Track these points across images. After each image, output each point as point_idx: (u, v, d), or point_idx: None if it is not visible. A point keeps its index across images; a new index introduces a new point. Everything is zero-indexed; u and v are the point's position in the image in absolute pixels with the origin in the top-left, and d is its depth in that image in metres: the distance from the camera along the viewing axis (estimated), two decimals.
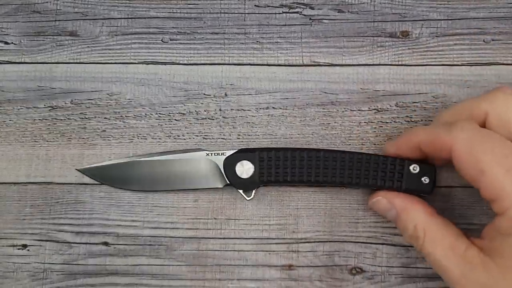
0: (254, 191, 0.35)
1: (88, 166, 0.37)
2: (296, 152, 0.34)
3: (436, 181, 0.34)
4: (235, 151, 0.35)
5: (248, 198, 0.35)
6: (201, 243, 0.36)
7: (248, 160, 0.34)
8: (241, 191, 0.35)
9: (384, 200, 0.33)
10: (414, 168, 0.33)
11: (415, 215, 0.31)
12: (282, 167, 0.34)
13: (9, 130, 0.38)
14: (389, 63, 0.38)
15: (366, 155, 0.34)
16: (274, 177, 0.34)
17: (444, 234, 0.30)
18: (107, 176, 0.36)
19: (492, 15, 0.38)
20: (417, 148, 0.32)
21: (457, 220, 0.33)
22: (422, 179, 0.33)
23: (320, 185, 0.36)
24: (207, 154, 0.35)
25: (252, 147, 0.36)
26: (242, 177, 0.35)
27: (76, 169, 0.37)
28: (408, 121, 0.37)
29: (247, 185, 0.35)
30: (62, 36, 0.39)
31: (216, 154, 0.35)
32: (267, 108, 0.38)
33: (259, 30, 0.39)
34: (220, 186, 0.35)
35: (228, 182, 0.35)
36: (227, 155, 0.35)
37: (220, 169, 0.35)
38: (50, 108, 0.38)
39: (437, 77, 0.37)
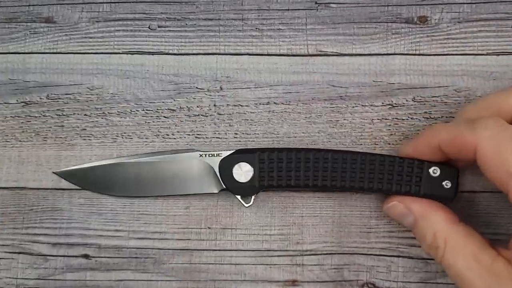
0: (253, 197, 0.35)
1: (66, 168, 0.37)
2: (300, 152, 0.34)
3: (459, 186, 0.34)
4: (232, 151, 0.35)
5: (246, 205, 0.35)
6: (194, 255, 0.36)
7: (246, 162, 0.34)
8: (238, 196, 0.35)
9: (400, 205, 0.33)
10: (434, 171, 0.33)
11: (435, 222, 0.31)
12: (284, 170, 0.34)
13: None
14: (405, 52, 0.38)
15: (379, 156, 0.34)
16: (276, 181, 0.34)
17: (467, 243, 0.30)
18: (88, 180, 0.37)
19: None
20: (437, 149, 0.32)
21: (482, 229, 0.33)
22: (443, 183, 0.33)
23: (327, 190, 0.36)
24: (200, 155, 0.35)
25: (251, 147, 0.37)
26: (240, 181, 0.35)
27: (53, 172, 0.37)
28: (426, 118, 0.37)
29: (246, 190, 0.35)
30: (36, 23, 0.39)
31: (210, 155, 0.35)
32: (268, 103, 0.38)
33: (259, 16, 0.39)
34: (215, 191, 0.36)
35: (224, 186, 0.35)
36: (223, 156, 0.35)
37: (215, 172, 0.35)
38: (23, 104, 0.38)
39: (459, 68, 0.37)
